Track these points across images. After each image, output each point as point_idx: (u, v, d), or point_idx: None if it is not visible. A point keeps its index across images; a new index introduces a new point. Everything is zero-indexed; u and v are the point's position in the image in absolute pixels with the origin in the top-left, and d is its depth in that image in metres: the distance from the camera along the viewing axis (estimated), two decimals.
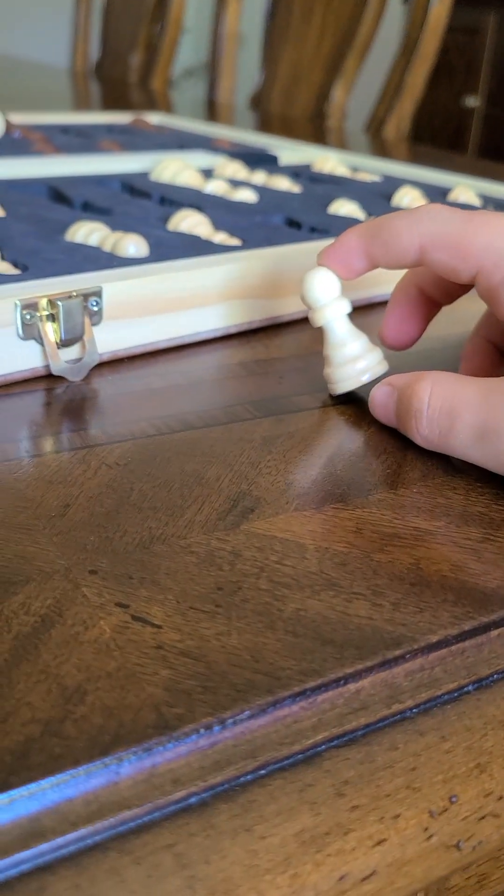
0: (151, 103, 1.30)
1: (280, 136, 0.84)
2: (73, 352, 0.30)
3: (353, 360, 0.29)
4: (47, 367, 0.30)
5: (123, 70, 1.60)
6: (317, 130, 1.15)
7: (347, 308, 0.29)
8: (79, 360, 0.30)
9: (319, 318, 0.29)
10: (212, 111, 1.30)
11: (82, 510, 0.22)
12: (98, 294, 0.30)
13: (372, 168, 0.63)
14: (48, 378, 0.30)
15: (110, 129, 0.73)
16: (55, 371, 0.29)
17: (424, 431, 0.26)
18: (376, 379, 0.29)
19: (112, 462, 0.25)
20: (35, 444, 0.26)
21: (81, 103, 1.30)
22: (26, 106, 1.03)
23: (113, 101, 1.33)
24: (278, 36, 1.38)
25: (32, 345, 0.29)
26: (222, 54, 1.42)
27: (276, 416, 0.29)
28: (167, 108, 1.29)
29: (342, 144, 1.05)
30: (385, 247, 0.28)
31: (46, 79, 1.52)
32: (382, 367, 0.30)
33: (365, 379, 0.29)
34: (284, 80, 1.37)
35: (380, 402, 0.28)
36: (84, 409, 0.28)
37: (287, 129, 1.14)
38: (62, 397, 0.29)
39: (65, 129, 0.70)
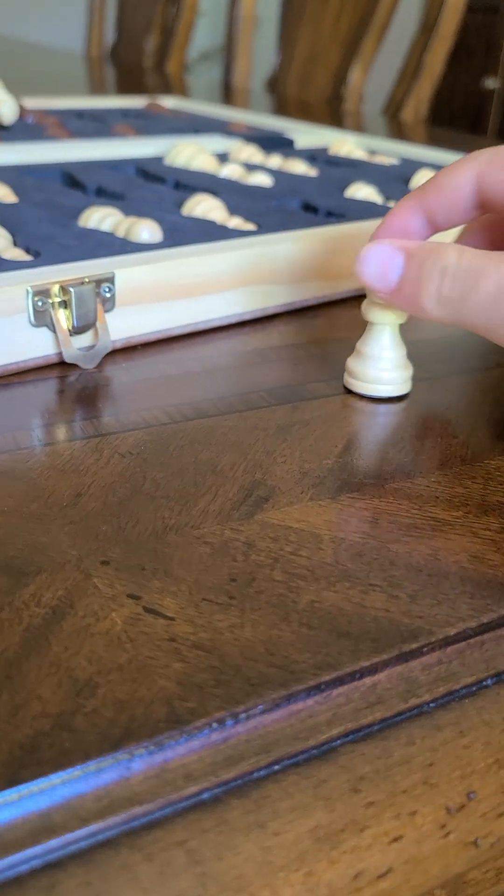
0: (167, 87, 1.28)
1: (297, 119, 0.83)
2: (85, 339, 0.30)
3: (385, 370, 0.28)
4: (60, 354, 0.29)
5: (139, 54, 1.59)
6: (334, 113, 1.13)
7: (404, 317, 0.28)
8: (92, 347, 0.30)
9: (377, 316, 0.28)
10: (227, 95, 1.29)
11: (95, 500, 0.22)
12: (111, 280, 0.30)
13: (389, 151, 0.62)
14: (61, 366, 0.30)
15: (125, 114, 0.72)
16: (68, 358, 0.29)
17: (446, 290, 0.24)
18: (394, 398, 0.29)
19: (125, 451, 0.25)
20: (47, 432, 0.26)
21: (96, 88, 1.30)
22: (41, 91, 1.02)
23: (128, 85, 1.32)
24: (295, 17, 1.36)
25: (45, 332, 0.29)
26: (238, 37, 1.41)
27: (292, 403, 0.28)
28: (182, 91, 1.28)
29: (360, 127, 1.04)
30: (439, 188, 0.27)
31: (61, 63, 1.52)
32: (406, 388, 0.29)
33: (383, 393, 0.29)
34: (301, 62, 1.35)
35: (377, 260, 0.26)
36: (97, 397, 0.28)
37: (304, 112, 1.13)
38: (75, 385, 0.29)
39: (79, 114, 0.70)
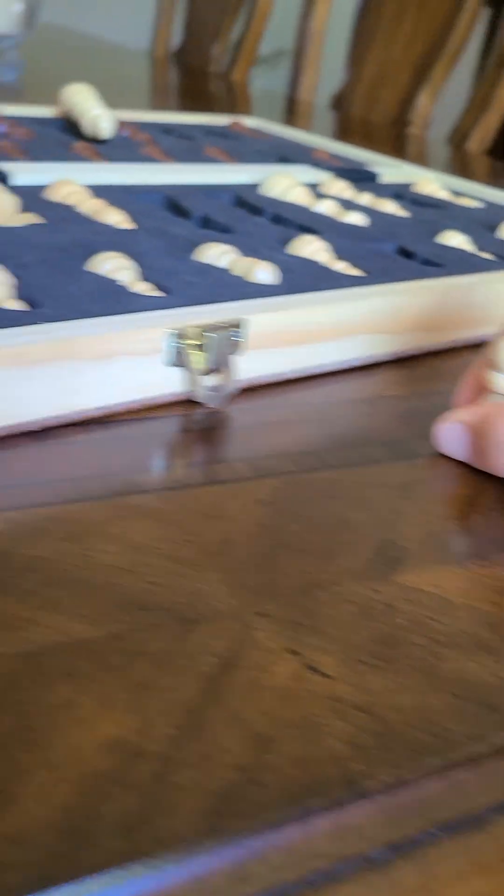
0: (231, 95, 1.30)
1: (362, 141, 0.84)
2: (214, 379, 0.31)
3: None
4: (189, 392, 0.31)
5: (204, 59, 1.60)
6: (399, 138, 1.14)
7: None
8: (220, 387, 0.31)
9: (498, 384, 0.29)
10: (292, 108, 1.30)
11: (241, 548, 0.24)
12: (243, 325, 0.31)
13: (473, 192, 0.64)
14: (188, 403, 0.31)
15: (209, 132, 0.74)
16: (198, 398, 0.30)
17: None
18: None
19: (261, 499, 0.26)
20: (187, 472, 0.27)
21: (160, 91, 1.31)
22: (108, 92, 1.03)
23: (193, 90, 1.34)
24: (366, 37, 1.37)
25: (177, 371, 0.30)
26: (307, 51, 1.42)
27: (410, 460, 0.30)
28: (246, 100, 1.29)
29: (424, 154, 1.05)
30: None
31: (126, 62, 1.53)
32: None
33: None
34: (369, 81, 1.36)
35: (450, 438, 0.29)
36: (225, 438, 0.29)
37: (368, 134, 1.14)
38: (202, 423, 0.30)
39: (167, 130, 0.71)
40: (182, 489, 0.26)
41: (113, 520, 0.24)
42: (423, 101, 1.26)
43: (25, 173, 0.48)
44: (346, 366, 0.36)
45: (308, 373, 0.35)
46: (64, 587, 0.21)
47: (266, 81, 2.12)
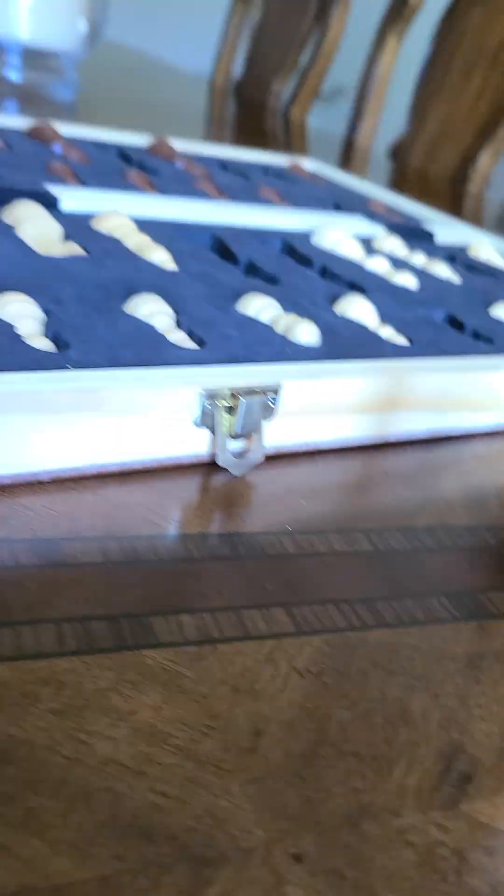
0: (288, 132, 1.26)
1: (419, 194, 0.79)
2: (240, 444, 0.26)
3: None
4: (214, 456, 0.26)
5: (264, 92, 1.57)
6: (456, 195, 1.10)
7: None
8: (246, 453, 0.26)
9: None
10: (349, 153, 1.27)
11: (276, 745, 0.18)
12: (277, 391, 0.26)
13: None
14: (210, 466, 0.26)
15: (266, 171, 0.69)
16: (221, 462, 0.26)
17: None
18: None
19: (302, 667, 0.20)
20: (212, 622, 0.21)
21: (217, 122, 1.28)
22: (165, 117, 0.99)
23: (250, 124, 1.30)
24: (433, 87, 1.33)
25: (203, 432, 0.26)
26: (370, 95, 1.39)
27: (477, 619, 0.24)
28: (303, 138, 1.26)
29: (481, 214, 1.00)
30: None
31: (185, 88, 1.51)
32: None
33: None
34: (430, 133, 1.32)
35: None
36: (249, 509, 0.24)
37: (426, 188, 1.10)
38: (221, 490, 0.25)
39: (224, 166, 0.66)
40: (200, 643, 0.20)
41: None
42: (484, 159, 1.22)
43: (75, 199, 0.43)
44: (380, 440, 0.31)
45: (344, 445, 0.30)
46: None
47: (320, 117, 2.09)
